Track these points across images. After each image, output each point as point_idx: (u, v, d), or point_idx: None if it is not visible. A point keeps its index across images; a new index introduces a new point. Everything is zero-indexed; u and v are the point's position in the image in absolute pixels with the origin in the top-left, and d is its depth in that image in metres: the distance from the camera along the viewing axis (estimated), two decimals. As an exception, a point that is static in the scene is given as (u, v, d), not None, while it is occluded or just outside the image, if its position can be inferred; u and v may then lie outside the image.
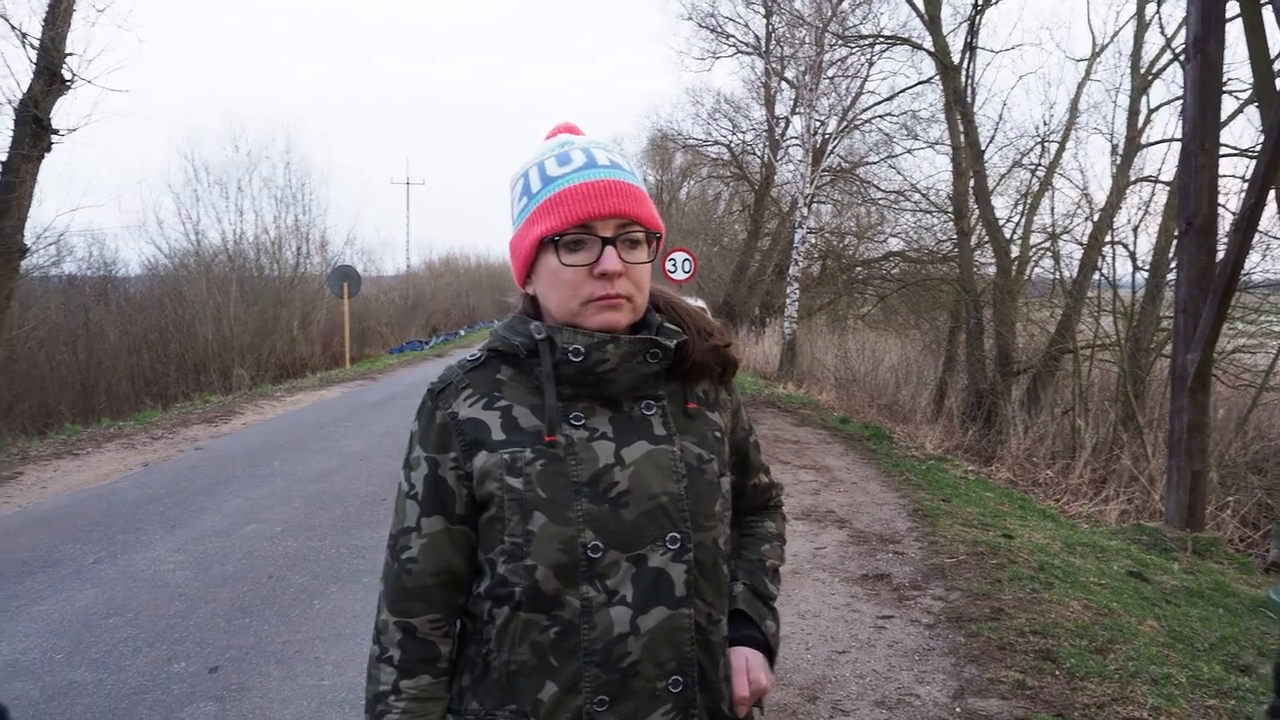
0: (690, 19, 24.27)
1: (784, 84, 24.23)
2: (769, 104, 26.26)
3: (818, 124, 19.25)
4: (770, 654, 1.34)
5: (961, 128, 16.45)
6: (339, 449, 9.37)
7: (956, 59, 16.50)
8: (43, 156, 11.66)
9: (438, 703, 1.24)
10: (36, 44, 11.38)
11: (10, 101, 11.45)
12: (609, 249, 1.18)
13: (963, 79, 16.43)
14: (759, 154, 28.65)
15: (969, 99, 16.43)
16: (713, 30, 24.04)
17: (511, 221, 1.30)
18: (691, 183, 35.58)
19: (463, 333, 36.16)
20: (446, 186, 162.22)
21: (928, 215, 21.24)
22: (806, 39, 17.99)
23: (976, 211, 16.66)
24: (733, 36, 24.24)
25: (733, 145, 28.73)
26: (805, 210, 18.08)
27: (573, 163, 1.23)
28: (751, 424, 1.46)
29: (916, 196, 21.09)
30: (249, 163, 28.68)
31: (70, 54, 11.66)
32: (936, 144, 20.23)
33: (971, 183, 16.27)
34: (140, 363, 19.18)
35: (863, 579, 5.23)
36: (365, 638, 4.29)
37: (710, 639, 1.24)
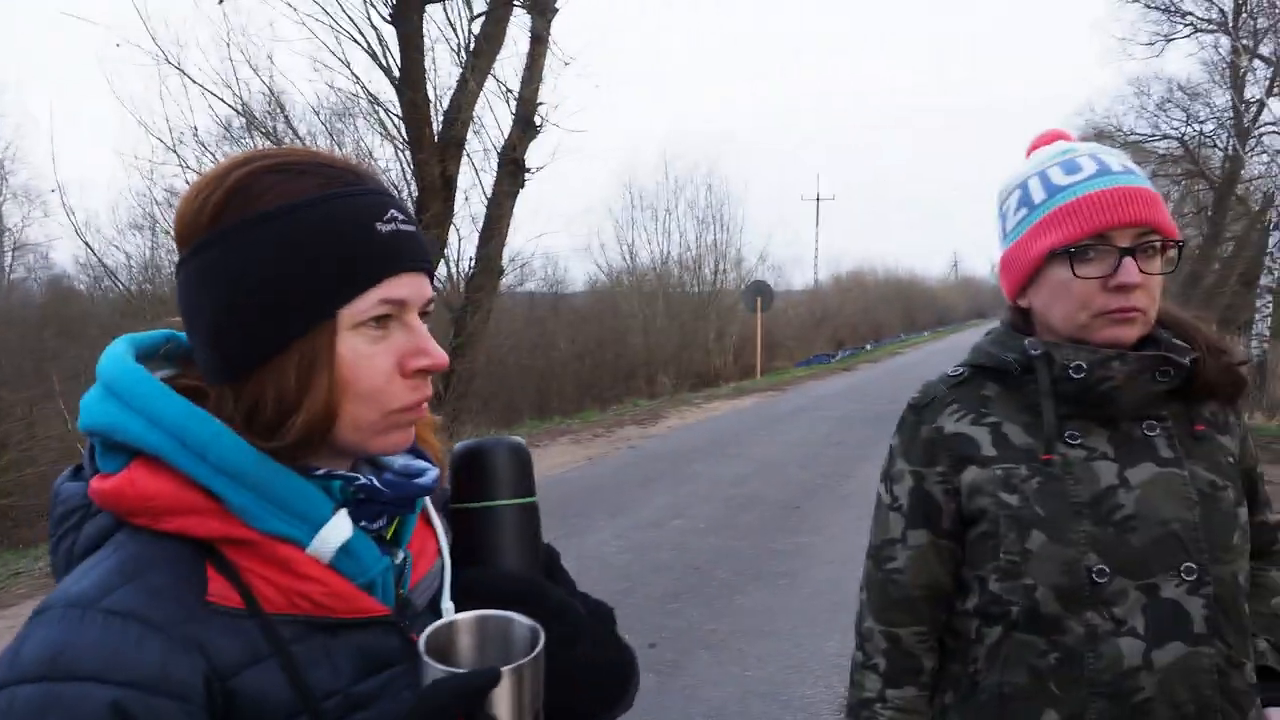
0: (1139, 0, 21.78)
1: (1257, 62, 20.76)
2: (1236, 87, 22.61)
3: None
4: None
5: None
6: (753, 455, 9.84)
7: None
8: (518, 192, 13.74)
9: (921, 716, 1.25)
10: (516, 98, 13.45)
11: (495, 148, 13.69)
12: (1128, 260, 1.12)
13: None
14: (1221, 146, 24.82)
15: None
16: (1166, 10, 21.34)
17: (1002, 234, 1.27)
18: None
19: (869, 347, 35.86)
20: (855, 200, 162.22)
21: None
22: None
23: None
24: (1191, 14, 21.30)
25: (1187, 138, 25.18)
26: (1285, 209, 15.32)
27: (1083, 170, 1.17)
28: (1258, 454, 1.31)
29: None
30: (675, 188, 31.19)
31: (541, 103, 13.61)
32: None
33: None
34: (583, 368, 21.83)
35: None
36: (785, 637, 4.52)
37: (1232, 684, 1.13)
